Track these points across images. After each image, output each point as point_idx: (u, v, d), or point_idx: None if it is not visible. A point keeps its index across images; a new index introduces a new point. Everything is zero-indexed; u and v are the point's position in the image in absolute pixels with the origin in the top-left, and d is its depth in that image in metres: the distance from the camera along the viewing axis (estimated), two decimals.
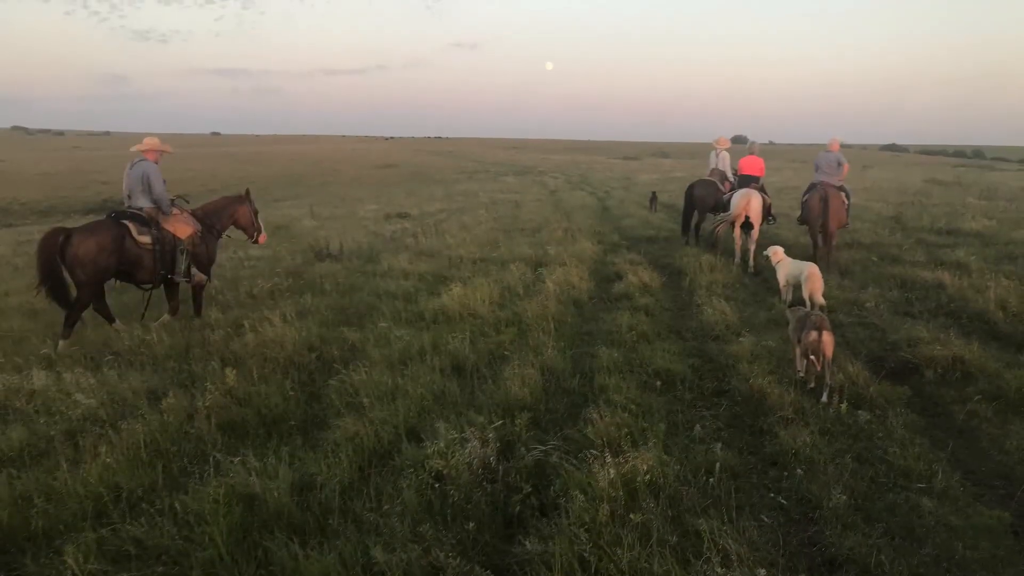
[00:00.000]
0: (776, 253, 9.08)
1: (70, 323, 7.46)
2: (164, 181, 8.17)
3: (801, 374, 6.25)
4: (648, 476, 4.29)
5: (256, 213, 9.52)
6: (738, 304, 8.80)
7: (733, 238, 12.02)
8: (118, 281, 8.33)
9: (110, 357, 6.78)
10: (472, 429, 4.81)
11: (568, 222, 16.61)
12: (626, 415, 5.24)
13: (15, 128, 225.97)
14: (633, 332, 7.45)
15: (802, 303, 8.16)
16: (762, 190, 12.47)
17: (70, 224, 8.51)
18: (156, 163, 8.19)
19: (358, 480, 4.53)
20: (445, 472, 4.38)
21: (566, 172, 46.40)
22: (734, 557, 3.60)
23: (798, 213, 12.66)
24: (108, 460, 4.59)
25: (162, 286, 8.34)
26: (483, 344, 7.07)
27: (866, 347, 7.21)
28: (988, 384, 6.08)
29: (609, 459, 4.36)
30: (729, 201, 12.39)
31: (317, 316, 8.17)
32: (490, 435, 4.74)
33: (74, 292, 7.58)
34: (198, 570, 3.64)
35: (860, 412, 5.58)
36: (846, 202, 11.75)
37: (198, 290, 8.57)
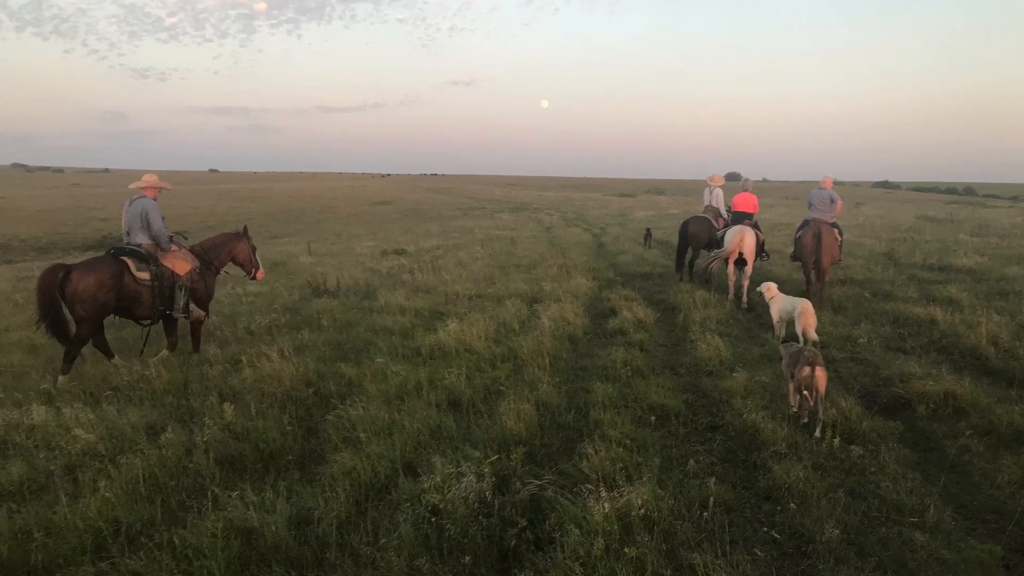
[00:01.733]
0: (769, 289, 9.18)
1: (69, 359, 7.51)
2: (163, 218, 8.28)
3: (794, 409, 6.31)
4: (643, 510, 4.33)
5: (254, 250, 9.61)
6: (732, 340, 8.88)
7: (727, 274, 12.13)
8: (117, 317, 8.39)
9: (109, 392, 6.82)
10: (468, 464, 4.85)
11: (563, 258, 16.72)
12: (621, 450, 5.29)
13: (15, 165, 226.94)
14: (627, 367, 7.51)
15: (795, 339, 8.24)
16: (755, 227, 12.62)
17: (69, 260, 8.60)
18: (155, 200, 8.30)
19: (355, 514, 4.57)
20: (441, 506, 4.42)
21: (561, 209, 46.75)
22: None
23: (791, 249, 12.78)
24: (107, 494, 4.62)
25: (160, 322, 8.40)
26: (479, 379, 7.12)
27: (859, 382, 7.28)
28: (980, 419, 6.13)
29: (604, 493, 4.40)
30: (723, 237, 12.54)
31: (314, 352, 8.22)
32: (486, 470, 4.78)
33: (73, 328, 7.64)
34: None
35: (853, 447, 5.63)
36: (839, 238, 11.89)
37: (196, 326, 8.63)
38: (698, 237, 13.77)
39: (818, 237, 11.29)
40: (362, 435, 5.67)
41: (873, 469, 5.28)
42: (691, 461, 5.39)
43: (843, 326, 9.36)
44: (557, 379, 7.12)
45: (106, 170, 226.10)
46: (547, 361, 7.53)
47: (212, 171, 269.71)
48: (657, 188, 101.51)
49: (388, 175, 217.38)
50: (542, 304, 10.55)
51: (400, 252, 19.75)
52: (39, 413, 6.10)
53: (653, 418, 6.19)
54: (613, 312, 10.43)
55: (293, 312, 10.48)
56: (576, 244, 21.48)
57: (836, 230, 11.84)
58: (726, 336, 8.92)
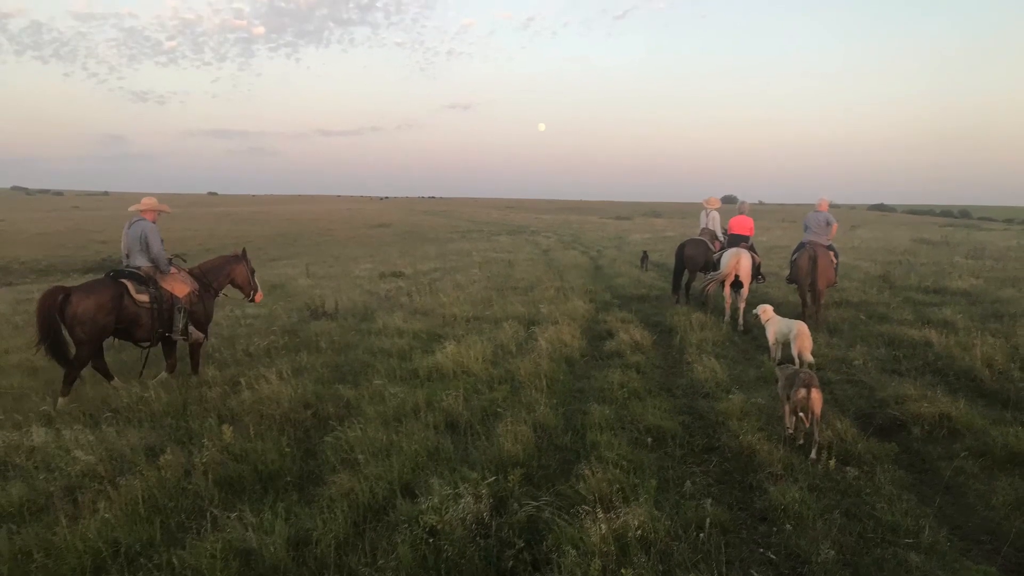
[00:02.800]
0: (765, 311, 9.24)
1: (69, 380, 7.54)
2: (162, 240, 8.34)
3: (790, 431, 6.35)
4: (639, 531, 4.36)
5: (252, 272, 9.67)
6: (728, 362, 8.92)
7: (723, 296, 12.20)
8: (117, 339, 8.42)
9: (108, 414, 6.85)
10: (466, 485, 4.88)
11: (561, 281, 16.78)
12: (617, 471, 5.32)
13: (15, 188, 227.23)
14: (624, 389, 7.55)
15: (791, 361, 8.29)
16: (752, 249, 12.71)
17: (69, 283, 8.65)
18: (154, 223, 8.37)
19: (353, 535, 4.59)
20: (439, 527, 4.44)
21: (558, 231, 46.81)
22: None
23: (787, 272, 12.84)
24: (107, 516, 4.64)
25: (160, 344, 8.44)
26: (476, 401, 7.16)
27: (854, 404, 7.31)
28: (975, 441, 6.16)
29: (601, 514, 4.43)
30: (719, 260, 12.61)
31: (313, 374, 8.25)
32: (483, 491, 4.81)
33: (73, 350, 7.68)
34: None
35: (848, 468, 5.66)
36: (834, 261, 11.97)
37: (195, 348, 8.67)
38: (694, 259, 13.84)
39: (814, 260, 11.37)
40: (360, 456, 5.69)
41: (868, 490, 5.31)
42: (687, 482, 5.41)
43: (839, 348, 9.41)
44: (554, 401, 7.15)
45: (106, 192, 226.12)
46: (544, 383, 7.56)
47: (211, 194, 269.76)
48: (654, 211, 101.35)
49: (386, 198, 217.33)
50: (539, 326, 10.62)
51: (398, 275, 19.81)
52: (39, 434, 6.12)
53: (650, 440, 6.22)
54: (610, 334, 10.49)
55: (291, 334, 10.50)
56: (573, 267, 21.55)
57: (832, 252, 11.92)
58: (722, 358, 8.96)
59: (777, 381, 6.86)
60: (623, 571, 3.97)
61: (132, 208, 8.43)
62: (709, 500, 5.03)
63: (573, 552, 4.15)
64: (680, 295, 14.21)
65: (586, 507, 4.63)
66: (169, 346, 8.52)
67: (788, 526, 4.74)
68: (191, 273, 8.86)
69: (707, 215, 14.73)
